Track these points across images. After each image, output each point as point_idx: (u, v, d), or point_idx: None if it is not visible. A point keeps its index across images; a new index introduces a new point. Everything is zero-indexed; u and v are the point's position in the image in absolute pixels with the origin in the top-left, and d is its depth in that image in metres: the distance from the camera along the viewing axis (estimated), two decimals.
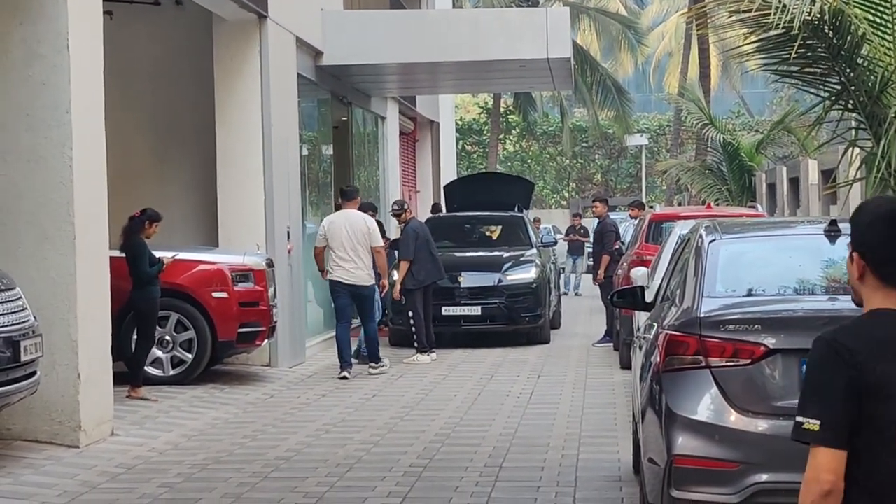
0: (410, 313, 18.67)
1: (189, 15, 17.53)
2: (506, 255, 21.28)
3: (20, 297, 10.73)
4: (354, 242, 16.64)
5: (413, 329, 18.62)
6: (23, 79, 11.40)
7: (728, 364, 6.82)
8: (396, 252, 19.20)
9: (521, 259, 21.09)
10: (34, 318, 10.85)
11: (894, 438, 3.54)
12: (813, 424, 3.53)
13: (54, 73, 11.36)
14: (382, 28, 21.14)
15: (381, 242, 17.23)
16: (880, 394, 3.53)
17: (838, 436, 3.51)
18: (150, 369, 14.77)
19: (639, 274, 13.89)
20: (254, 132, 17.13)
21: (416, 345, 18.56)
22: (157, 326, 14.66)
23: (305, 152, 20.54)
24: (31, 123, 11.38)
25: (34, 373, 10.77)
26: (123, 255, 13.86)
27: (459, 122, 54.41)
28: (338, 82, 22.47)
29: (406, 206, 19.82)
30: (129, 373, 13.96)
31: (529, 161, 60.70)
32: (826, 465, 3.51)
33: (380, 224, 18.71)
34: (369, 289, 16.99)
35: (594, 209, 23.09)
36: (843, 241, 7.71)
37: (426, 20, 23.54)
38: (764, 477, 6.71)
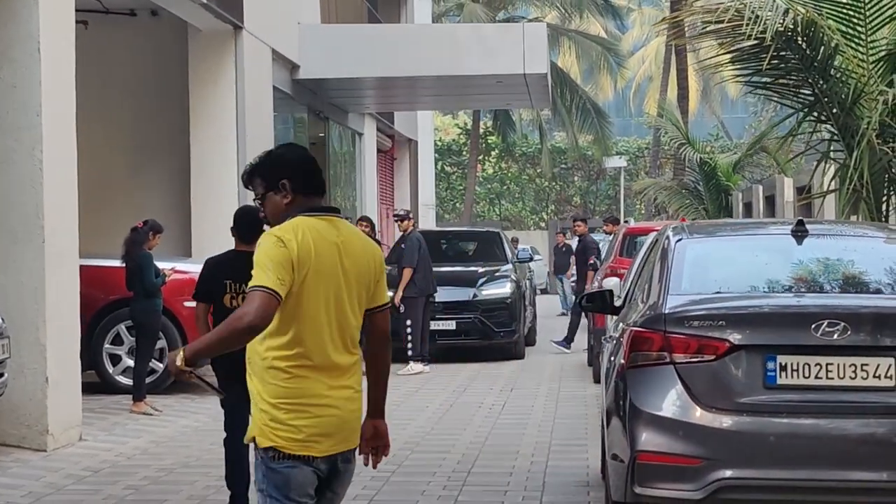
0: (408, 322, 18.59)
1: (165, 25, 17.52)
2: (481, 270, 21.17)
3: None
4: None
5: (409, 338, 18.52)
6: None
7: (692, 360, 6.79)
8: None
9: (497, 274, 20.97)
10: (2, 319, 10.79)
11: (221, 297, 8.43)
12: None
13: (25, 76, 11.34)
14: (360, 42, 21.14)
15: None
16: (214, 278, 8.47)
17: (203, 297, 8.55)
18: (121, 378, 14.75)
19: (611, 284, 13.82)
20: (228, 143, 17.13)
21: (409, 353, 18.47)
22: (128, 335, 14.62)
23: None
24: (1, 126, 11.34)
25: (1, 374, 10.72)
26: (124, 265, 13.84)
27: (439, 143, 54.40)
28: (314, 97, 22.46)
29: (411, 215, 19.96)
30: (133, 386, 13.93)
31: (508, 182, 60.70)
32: (201, 312, 8.59)
33: None
34: None
35: (576, 228, 23.33)
36: (810, 241, 7.74)
37: (403, 34, 23.59)
38: (727, 473, 6.69)
